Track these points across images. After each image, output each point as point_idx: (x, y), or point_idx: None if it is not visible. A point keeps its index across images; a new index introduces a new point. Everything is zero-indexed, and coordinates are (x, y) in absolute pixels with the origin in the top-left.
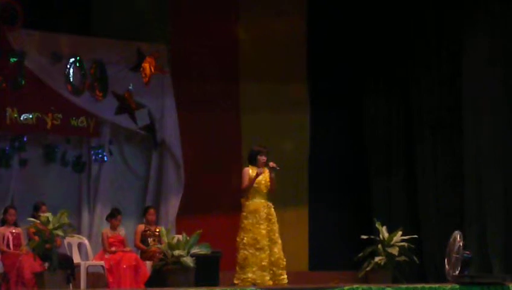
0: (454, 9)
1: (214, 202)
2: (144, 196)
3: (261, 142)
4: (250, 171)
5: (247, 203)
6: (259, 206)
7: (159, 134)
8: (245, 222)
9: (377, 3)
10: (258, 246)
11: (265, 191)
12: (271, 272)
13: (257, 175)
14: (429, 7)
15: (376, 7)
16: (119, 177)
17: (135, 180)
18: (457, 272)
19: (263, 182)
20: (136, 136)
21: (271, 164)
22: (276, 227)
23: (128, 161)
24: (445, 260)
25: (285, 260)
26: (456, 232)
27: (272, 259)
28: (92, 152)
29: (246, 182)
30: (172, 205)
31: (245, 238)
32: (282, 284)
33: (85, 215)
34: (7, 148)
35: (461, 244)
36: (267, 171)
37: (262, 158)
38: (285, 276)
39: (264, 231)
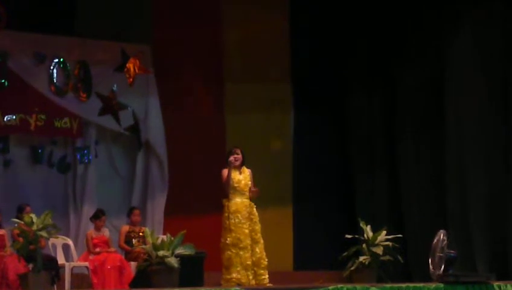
0: (438, 9)
1: (199, 202)
2: (130, 196)
3: (245, 142)
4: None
5: (228, 203)
6: (240, 206)
7: (143, 134)
8: (227, 222)
9: (360, 3)
10: (241, 245)
11: (246, 189)
12: (252, 271)
13: (229, 174)
14: (413, 7)
15: (360, 7)
16: (105, 178)
17: (121, 181)
18: (441, 271)
19: (243, 181)
20: (122, 137)
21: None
22: (258, 227)
23: (114, 162)
24: (430, 259)
25: (266, 260)
26: (441, 231)
27: (253, 259)
28: (78, 153)
29: (223, 180)
30: (159, 205)
31: (228, 238)
32: (263, 284)
33: (72, 217)
34: None
35: (445, 243)
36: (246, 170)
37: (232, 157)
38: (267, 276)
39: (246, 231)
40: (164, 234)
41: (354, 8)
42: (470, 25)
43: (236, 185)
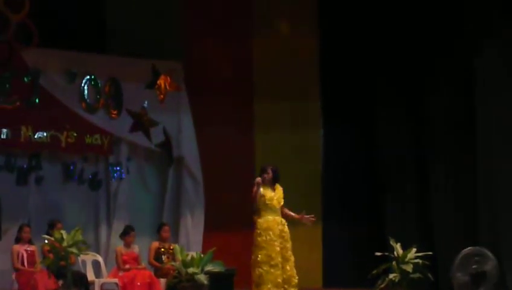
0: (467, 21)
1: (228, 219)
2: (161, 213)
3: (274, 160)
4: (262, 189)
5: (259, 220)
6: (272, 223)
7: (175, 151)
8: (259, 239)
9: (388, 19)
10: (272, 263)
11: (277, 207)
12: (283, 289)
13: (257, 189)
14: (442, 21)
15: (388, 24)
16: (136, 194)
17: (152, 197)
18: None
19: (276, 198)
20: (153, 153)
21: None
22: (289, 244)
23: (145, 178)
24: (452, 272)
25: (297, 277)
26: (469, 247)
27: (284, 276)
28: (110, 169)
29: (252, 196)
30: (195, 222)
31: (259, 255)
32: None
33: (103, 233)
34: (25, 166)
35: (474, 260)
36: (280, 188)
37: (264, 176)
38: None
39: (278, 248)
40: (204, 251)
41: (382, 25)
42: (500, 35)
43: (268, 202)
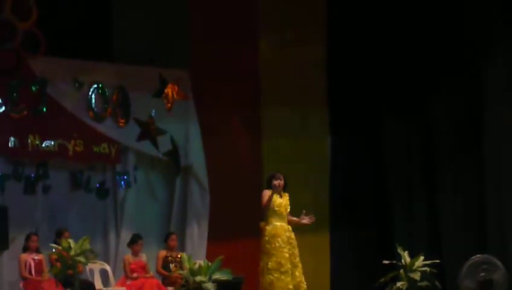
0: (473, 35)
1: (236, 227)
2: (168, 221)
3: (282, 168)
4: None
5: (267, 227)
6: (280, 229)
7: (183, 160)
8: (267, 246)
9: (395, 29)
10: (282, 269)
11: (285, 213)
12: None
13: (271, 197)
14: (448, 30)
15: (395, 33)
16: (143, 203)
17: (159, 206)
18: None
19: (283, 205)
20: (160, 162)
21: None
22: (296, 251)
23: (153, 187)
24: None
25: (305, 283)
26: (477, 255)
27: (293, 283)
28: (117, 178)
29: (263, 201)
30: (200, 231)
31: (269, 263)
32: None
33: (111, 241)
34: (32, 174)
35: (483, 267)
36: (286, 195)
37: (277, 182)
38: None
39: (287, 255)
40: (208, 259)
41: (391, 34)
42: (505, 48)
43: (277, 208)
